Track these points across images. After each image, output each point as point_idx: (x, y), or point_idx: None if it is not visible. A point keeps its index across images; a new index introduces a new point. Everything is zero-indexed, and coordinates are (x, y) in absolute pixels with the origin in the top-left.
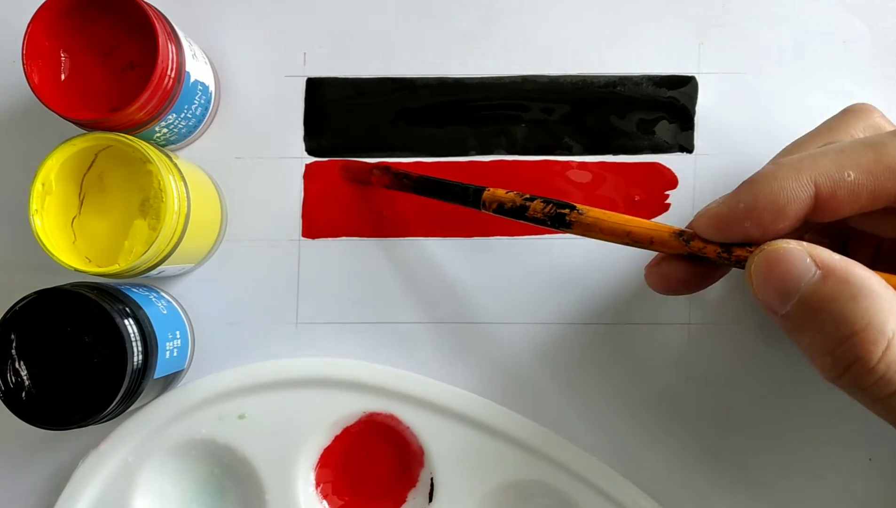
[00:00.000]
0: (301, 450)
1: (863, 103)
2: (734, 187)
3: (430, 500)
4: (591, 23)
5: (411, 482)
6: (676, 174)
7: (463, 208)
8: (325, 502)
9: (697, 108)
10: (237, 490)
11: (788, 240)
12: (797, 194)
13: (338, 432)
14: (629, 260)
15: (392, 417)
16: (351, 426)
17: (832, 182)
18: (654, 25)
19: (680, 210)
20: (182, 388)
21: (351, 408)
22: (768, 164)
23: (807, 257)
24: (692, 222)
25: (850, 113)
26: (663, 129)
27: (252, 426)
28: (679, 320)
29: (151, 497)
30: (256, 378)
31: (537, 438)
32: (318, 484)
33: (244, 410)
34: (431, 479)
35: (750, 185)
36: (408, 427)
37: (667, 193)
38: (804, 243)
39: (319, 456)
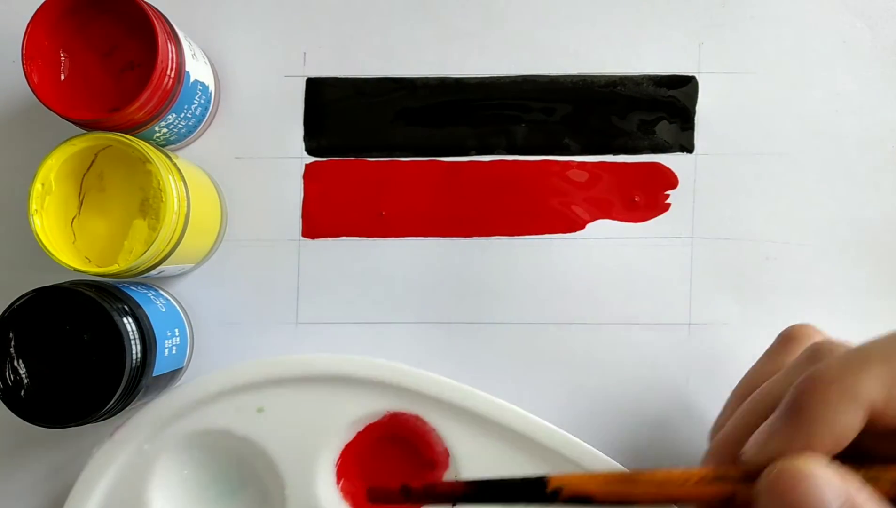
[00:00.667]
0: (322, 446)
1: (799, 326)
2: (734, 188)
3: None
4: (591, 23)
5: None
6: (676, 174)
7: (462, 208)
8: (345, 499)
9: (697, 108)
10: (256, 481)
11: (812, 458)
12: (853, 424)
13: (360, 429)
14: (629, 260)
15: (417, 418)
16: (373, 424)
17: (884, 403)
18: (654, 25)
19: (680, 210)
20: (200, 378)
21: (374, 407)
22: (804, 381)
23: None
24: (713, 452)
25: (789, 340)
26: (663, 129)
27: (271, 419)
28: (679, 320)
29: (169, 483)
30: (276, 373)
31: (562, 444)
32: (338, 480)
33: (263, 403)
34: None
35: (802, 423)
36: (433, 429)
37: (667, 193)
38: (833, 471)
39: (341, 452)
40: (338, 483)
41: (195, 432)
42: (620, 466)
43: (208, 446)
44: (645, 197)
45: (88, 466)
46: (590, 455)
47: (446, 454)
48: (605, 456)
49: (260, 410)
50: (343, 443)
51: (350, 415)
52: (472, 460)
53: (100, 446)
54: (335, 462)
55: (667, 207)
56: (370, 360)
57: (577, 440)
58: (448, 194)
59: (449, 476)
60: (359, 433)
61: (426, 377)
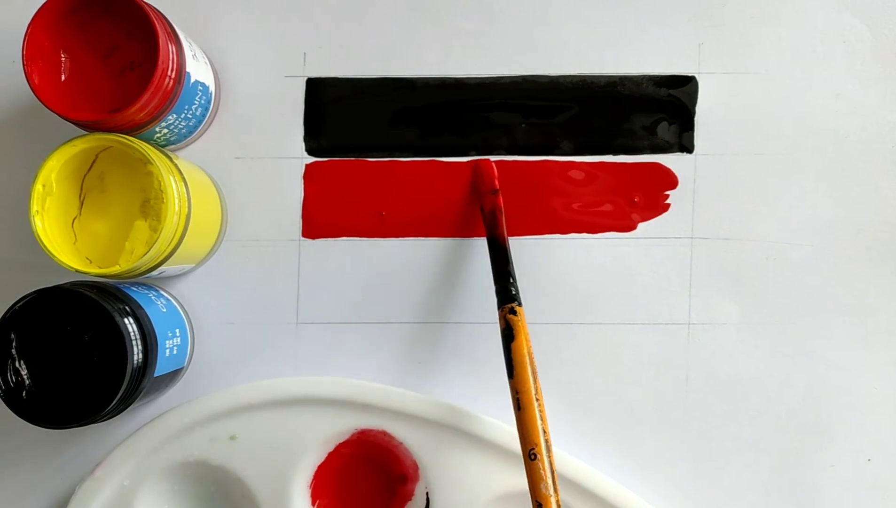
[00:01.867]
0: (295, 469)
1: None
2: (734, 188)
3: None
4: (591, 23)
5: (407, 496)
6: (676, 174)
7: (462, 208)
8: None
9: (697, 108)
10: None
11: None
12: None
13: (331, 449)
14: (629, 260)
15: (384, 433)
16: (343, 442)
17: None
18: (654, 25)
19: (680, 210)
20: (173, 410)
21: (342, 425)
22: None
23: None
24: None
25: None
26: (663, 129)
27: (244, 446)
28: (679, 320)
29: None
30: (245, 400)
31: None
32: (313, 502)
33: (235, 431)
34: (427, 493)
35: None
36: (401, 443)
37: (667, 193)
38: None
39: (314, 474)
40: (313, 505)
41: (173, 465)
42: (603, 476)
43: (186, 477)
44: (645, 197)
45: (71, 504)
46: (560, 462)
47: (415, 466)
48: (570, 457)
49: (233, 438)
50: (315, 464)
51: (320, 436)
52: (442, 471)
53: (81, 484)
54: (309, 484)
55: (667, 207)
56: (335, 379)
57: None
58: (448, 194)
59: (420, 488)
60: (330, 454)
61: (390, 391)
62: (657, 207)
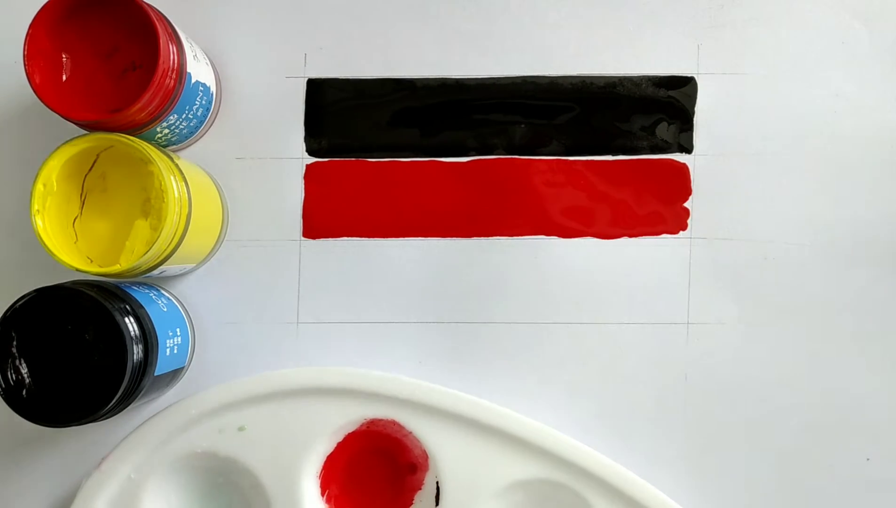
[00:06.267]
0: (304, 459)
1: None
2: (733, 188)
3: (437, 503)
4: (591, 24)
5: (417, 485)
6: (676, 175)
7: (462, 209)
8: None
9: (697, 108)
10: (242, 500)
11: None
12: None
13: (340, 439)
14: (629, 260)
15: (394, 423)
16: (353, 432)
17: None
18: (653, 26)
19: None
20: (180, 403)
21: (352, 415)
22: None
23: None
24: None
25: None
26: (663, 129)
27: (252, 437)
28: (679, 320)
29: None
30: (254, 390)
31: (540, 436)
32: (323, 492)
33: (243, 422)
34: (437, 482)
35: None
36: (410, 433)
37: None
38: None
39: (323, 464)
40: (322, 495)
41: (180, 456)
42: (602, 456)
43: (194, 469)
44: (643, 197)
45: (77, 498)
46: (566, 444)
47: (425, 456)
48: (581, 444)
49: (241, 429)
50: (325, 454)
51: (329, 426)
52: (452, 460)
53: (87, 477)
54: (318, 474)
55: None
56: (344, 369)
57: (553, 430)
58: (448, 194)
59: (430, 477)
60: (339, 444)
61: (400, 381)
62: (655, 207)
